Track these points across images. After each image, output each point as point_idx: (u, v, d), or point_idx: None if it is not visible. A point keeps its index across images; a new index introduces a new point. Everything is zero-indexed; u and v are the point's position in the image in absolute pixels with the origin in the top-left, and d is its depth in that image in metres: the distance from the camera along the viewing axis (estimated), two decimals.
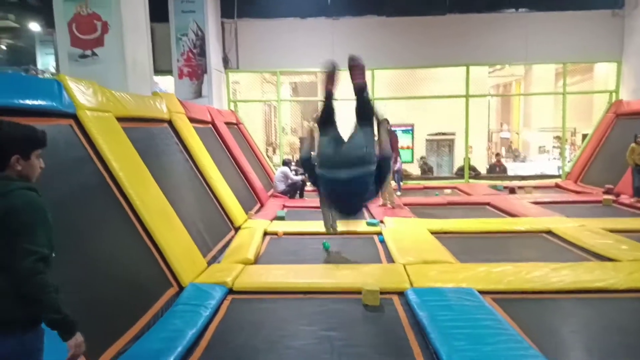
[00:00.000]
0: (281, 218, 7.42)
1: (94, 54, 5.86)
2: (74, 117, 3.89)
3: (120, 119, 4.53)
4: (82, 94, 4.05)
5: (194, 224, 5.09)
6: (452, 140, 13.58)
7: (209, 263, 4.82)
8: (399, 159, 10.18)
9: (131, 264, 3.65)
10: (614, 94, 11.08)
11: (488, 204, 8.47)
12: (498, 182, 10.64)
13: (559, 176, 11.40)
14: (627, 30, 10.86)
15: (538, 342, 3.10)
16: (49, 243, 1.74)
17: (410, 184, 11.08)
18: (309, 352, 3.12)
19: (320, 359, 3.03)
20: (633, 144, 7.90)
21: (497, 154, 13.23)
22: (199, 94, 10.16)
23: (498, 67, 15.50)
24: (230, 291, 4.13)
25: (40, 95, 3.49)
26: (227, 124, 9.32)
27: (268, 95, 16.71)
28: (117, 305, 3.17)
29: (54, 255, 1.78)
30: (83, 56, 5.89)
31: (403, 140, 10.91)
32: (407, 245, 5.36)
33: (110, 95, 4.56)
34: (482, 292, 3.90)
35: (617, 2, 10.91)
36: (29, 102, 3.33)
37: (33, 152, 1.87)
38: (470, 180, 11.12)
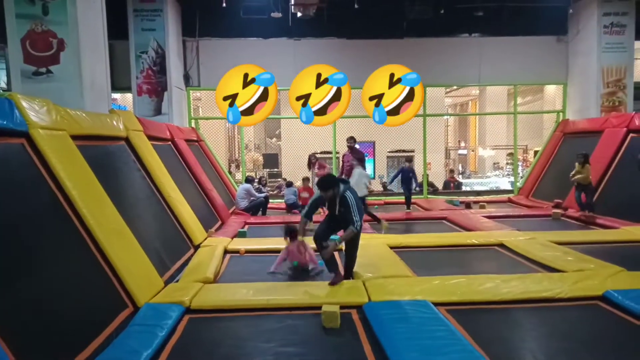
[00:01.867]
0: (243, 235, 7.40)
1: (48, 71, 5.73)
2: (26, 135, 3.81)
3: (75, 137, 4.45)
4: (35, 112, 3.97)
5: (152, 243, 5.02)
6: (412, 157, 13.97)
7: (167, 282, 4.75)
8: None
9: (85, 284, 3.57)
10: (561, 114, 11.74)
11: (445, 218, 8.73)
12: (455, 198, 10.99)
13: (511, 191, 11.90)
14: (571, 55, 11.61)
15: (488, 350, 3.24)
16: None
17: (371, 199, 11.27)
18: None
19: None
20: (577, 164, 8.17)
21: (451, 171, 13.70)
22: (158, 111, 10.06)
23: (454, 87, 16.14)
24: (188, 310, 4.08)
25: None
26: (188, 141, 9.25)
27: None
28: (70, 327, 3.10)
29: None
30: (37, 73, 5.75)
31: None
32: (366, 261, 5.46)
33: (64, 113, 4.48)
34: (436, 304, 4.02)
35: (561, 29, 11.65)
36: None
37: None
38: (429, 196, 11.44)
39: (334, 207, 4.67)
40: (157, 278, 4.54)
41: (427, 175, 11.87)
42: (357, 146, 9.52)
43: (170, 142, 8.17)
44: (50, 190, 3.77)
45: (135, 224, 4.74)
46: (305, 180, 9.88)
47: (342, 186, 4.60)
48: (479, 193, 12.08)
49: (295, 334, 3.65)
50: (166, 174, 6.60)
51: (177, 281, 4.90)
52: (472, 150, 18.00)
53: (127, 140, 6.00)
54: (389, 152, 14.26)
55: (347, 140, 8.93)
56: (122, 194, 5.04)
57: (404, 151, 13.69)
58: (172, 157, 7.82)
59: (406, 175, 9.35)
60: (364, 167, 8.33)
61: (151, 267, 4.54)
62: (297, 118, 10.12)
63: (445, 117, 15.50)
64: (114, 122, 5.65)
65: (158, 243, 5.20)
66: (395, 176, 9.72)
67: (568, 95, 11.72)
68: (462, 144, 19.46)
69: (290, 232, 5.45)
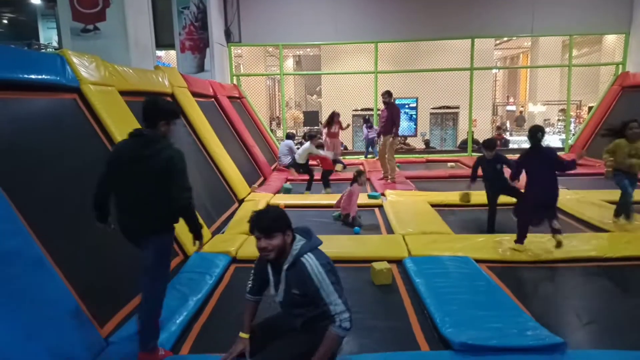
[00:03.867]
0: (288, 191, 7.51)
1: (96, 28, 5.87)
2: (78, 91, 3.96)
3: (123, 93, 4.59)
4: (85, 68, 4.10)
5: (198, 196, 5.20)
6: (456, 114, 13.54)
7: (213, 234, 4.95)
8: (373, 128, 10.34)
9: None
10: (620, 66, 10.93)
11: None
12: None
13: (562, 149, 11.38)
14: (637, 1, 10.63)
15: (530, 307, 3.23)
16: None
17: (413, 157, 11.13)
18: None
19: None
20: (619, 140, 5.23)
21: (498, 127, 13.18)
22: (201, 68, 10.13)
23: (505, 39, 15.26)
24: (234, 260, 4.27)
25: (43, 69, 3.55)
26: (230, 98, 9.34)
27: (271, 68, 16.63)
28: (125, 273, 3.31)
29: None
30: (85, 30, 5.91)
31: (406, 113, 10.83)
32: (406, 217, 5.46)
33: (112, 69, 4.61)
34: (478, 261, 4.01)
35: None
36: (33, 76, 3.40)
37: (172, 121, 2.68)
38: (474, 154, 11.13)
39: (279, 284, 2.32)
40: (204, 229, 4.73)
41: (472, 132, 11.51)
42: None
43: (213, 99, 8.28)
44: (103, 144, 3.94)
45: None
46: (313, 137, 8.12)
47: (297, 239, 2.29)
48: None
49: None
50: (210, 130, 6.74)
51: (223, 233, 5.10)
52: (522, 107, 17.19)
53: (172, 96, 6.12)
54: (432, 108, 13.85)
55: (382, 95, 8.61)
56: None
57: (448, 107, 13.29)
58: (216, 114, 7.95)
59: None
60: (397, 126, 8.00)
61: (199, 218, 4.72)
62: (337, 73, 9.93)
63: (494, 70, 14.75)
64: (159, 79, 5.77)
65: (204, 196, 5.38)
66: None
67: (630, 46, 10.84)
68: (511, 100, 18.60)
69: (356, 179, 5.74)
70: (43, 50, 12.13)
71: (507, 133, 15.11)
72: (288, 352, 2.24)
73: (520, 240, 4.33)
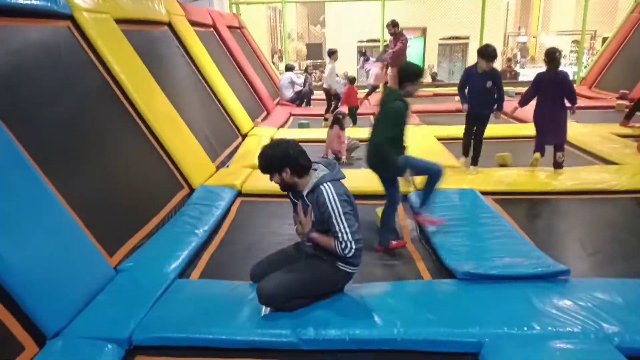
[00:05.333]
0: (306, 125, 7.38)
1: None
2: (71, 18, 3.76)
3: (118, 21, 4.37)
4: None
5: (201, 130, 5.12)
6: (466, 45, 13.03)
7: (218, 168, 4.93)
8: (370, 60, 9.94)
9: (142, 166, 3.75)
10: None
11: None
12: (511, 88, 10.36)
13: (574, 82, 11.05)
14: None
15: (534, 238, 3.24)
16: None
17: (420, 91, 10.84)
18: None
19: None
20: None
21: (509, 59, 12.73)
22: None
23: None
24: (240, 194, 4.27)
25: None
26: (230, 27, 8.96)
27: None
28: (133, 205, 3.32)
29: None
30: None
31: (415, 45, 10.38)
32: (412, 151, 5.37)
33: None
34: (484, 194, 3.99)
35: None
36: (23, 1, 3.20)
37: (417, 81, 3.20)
38: None
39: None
40: (209, 162, 4.71)
41: None
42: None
43: (212, 29, 7.94)
44: (100, 75, 3.80)
45: (184, 111, 4.81)
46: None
47: (320, 169, 2.38)
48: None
49: None
50: (210, 61, 6.52)
51: (227, 167, 5.08)
52: (534, 37, 16.51)
53: (169, 25, 5.86)
54: (441, 39, 13.31)
55: (387, 26, 8.09)
56: (169, 81, 5.05)
57: (457, 38, 12.77)
58: (215, 45, 7.66)
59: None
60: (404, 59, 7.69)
61: (203, 152, 4.69)
62: (342, 0, 9.45)
63: None
64: (156, 6, 5.48)
65: (207, 130, 5.30)
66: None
67: None
68: (522, 30, 17.84)
69: (337, 120, 5.45)
70: None
71: (517, 65, 14.64)
72: (289, 276, 2.32)
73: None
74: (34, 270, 2.16)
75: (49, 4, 3.49)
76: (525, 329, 2.15)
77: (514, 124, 7.28)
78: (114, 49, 4.01)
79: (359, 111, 7.54)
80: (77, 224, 2.58)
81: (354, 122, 7.32)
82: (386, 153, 3.09)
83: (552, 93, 4.25)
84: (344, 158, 5.47)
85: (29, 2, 3.26)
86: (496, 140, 6.02)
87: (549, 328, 2.15)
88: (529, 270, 2.59)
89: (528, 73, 13.05)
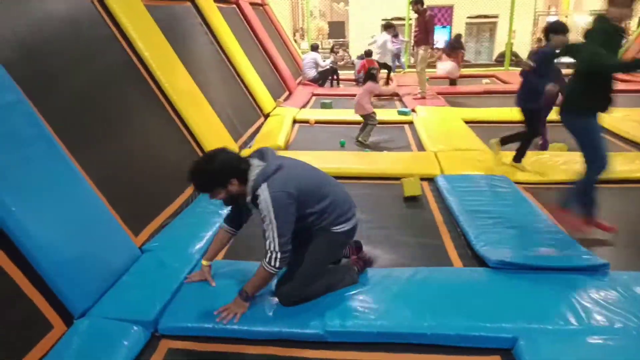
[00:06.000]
0: (328, 106, 7.26)
1: None
2: None
3: None
4: None
5: (223, 109, 5.05)
6: (495, 24, 12.59)
7: (240, 148, 4.88)
8: (400, 37, 9.64)
9: (165, 144, 3.70)
10: None
11: None
12: None
13: None
14: None
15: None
16: None
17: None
18: None
19: None
20: None
21: (539, 39, 12.25)
22: None
23: None
24: None
25: None
26: (252, 4, 8.79)
27: None
28: (157, 184, 3.28)
29: None
30: None
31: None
32: (438, 134, 5.25)
33: None
34: (516, 182, 3.84)
35: None
36: None
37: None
38: (511, 68, 10.49)
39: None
40: (231, 142, 4.65)
41: (512, 44, 10.74)
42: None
43: (234, 5, 7.80)
44: (124, 50, 3.74)
45: (206, 89, 4.74)
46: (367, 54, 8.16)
47: (254, 165, 2.12)
48: (568, 66, 10.87)
49: (365, 202, 3.68)
50: (233, 39, 6.41)
51: (249, 147, 5.02)
52: (566, 16, 15.86)
53: (192, 1, 5.75)
54: (469, 17, 12.88)
55: (411, 3, 7.76)
56: (192, 58, 4.97)
57: (485, 17, 12.33)
58: (237, 21, 7.53)
59: None
60: (431, 38, 7.44)
61: (225, 131, 4.63)
62: None
63: None
64: None
65: (229, 109, 5.23)
66: None
67: None
68: (553, 10, 17.16)
69: (371, 76, 5.39)
70: None
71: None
72: (298, 270, 2.22)
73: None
74: (61, 249, 2.15)
75: None
76: (562, 323, 2.05)
77: None
78: (137, 24, 3.93)
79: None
80: (102, 202, 2.56)
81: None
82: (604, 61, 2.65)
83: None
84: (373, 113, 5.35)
85: None
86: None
87: (588, 323, 2.05)
88: (566, 262, 2.48)
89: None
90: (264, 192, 2.02)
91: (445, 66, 8.81)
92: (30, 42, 2.82)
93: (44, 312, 2.08)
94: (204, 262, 2.40)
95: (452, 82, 8.91)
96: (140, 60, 3.84)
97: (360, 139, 5.31)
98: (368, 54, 7.49)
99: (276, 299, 2.24)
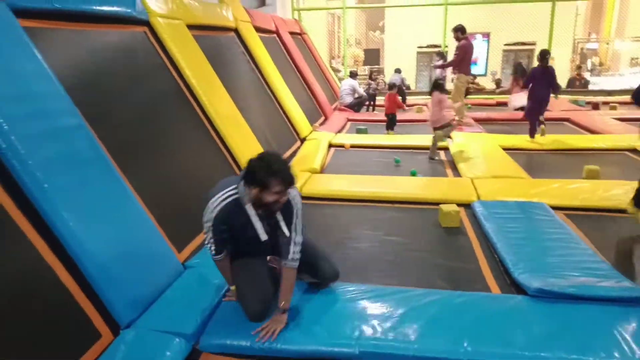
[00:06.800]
0: (364, 131, 7.39)
1: None
2: (147, 24, 3.96)
3: (190, 27, 4.56)
4: (154, 0, 4.08)
5: (262, 132, 5.23)
6: (532, 51, 12.47)
7: None
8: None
9: (208, 166, 3.87)
10: None
11: (567, 119, 7.92)
12: (580, 97, 9.82)
13: None
14: None
15: (611, 261, 3.01)
16: None
17: (482, 98, 10.50)
18: (372, 253, 3.27)
19: (382, 259, 3.17)
20: None
21: (579, 67, 12.07)
22: (262, 2, 9.91)
23: None
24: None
25: (115, 2, 3.55)
26: (292, 33, 9.11)
27: (331, 3, 15.99)
28: (199, 203, 3.41)
29: None
30: None
31: (478, 50, 10.00)
32: (475, 160, 5.23)
33: (179, 2, 4.56)
34: (554, 208, 3.78)
35: None
36: (105, 8, 3.41)
37: None
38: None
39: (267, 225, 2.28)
40: None
41: None
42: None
43: (275, 34, 8.11)
44: (173, 78, 3.98)
45: (246, 113, 4.93)
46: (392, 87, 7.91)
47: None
48: (609, 93, 10.64)
49: (400, 226, 3.71)
50: (273, 66, 6.65)
51: None
52: (607, 43, 15.57)
53: (236, 31, 6.04)
54: (506, 45, 12.83)
55: (453, 30, 7.85)
56: (234, 84, 5.20)
57: (523, 44, 12.26)
58: (277, 50, 7.81)
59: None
60: (467, 67, 7.49)
61: None
62: (404, 6, 9.37)
63: (578, 2, 13.30)
64: (224, 12, 5.67)
65: (268, 133, 5.41)
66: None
67: None
68: (593, 37, 16.87)
69: (437, 86, 5.87)
70: None
71: (588, 73, 13.85)
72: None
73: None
74: (112, 262, 2.28)
75: (129, 11, 3.70)
76: (603, 355, 2.00)
77: (585, 134, 6.88)
78: (185, 53, 4.18)
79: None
80: (150, 220, 2.70)
81: (391, 128, 7.41)
82: None
83: (543, 82, 6.00)
84: (454, 121, 5.82)
85: (110, 8, 3.47)
86: (577, 153, 5.78)
87: (631, 356, 1.99)
88: (608, 293, 2.41)
89: (602, 82, 12.32)
90: (294, 191, 2.20)
91: (520, 99, 7.79)
92: (90, 70, 3.06)
93: (94, 322, 2.20)
94: (232, 288, 2.45)
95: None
96: (187, 87, 4.06)
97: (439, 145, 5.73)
98: (391, 86, 7.71)
99: (310, 309, 2.33)
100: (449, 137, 5.91)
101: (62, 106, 2.49)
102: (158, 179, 3.14)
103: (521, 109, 7.48)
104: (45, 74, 2.49)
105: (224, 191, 2.14)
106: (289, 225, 2.23)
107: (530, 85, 6.17)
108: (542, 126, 6.19)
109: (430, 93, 5.92)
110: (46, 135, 2.30)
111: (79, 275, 2.21)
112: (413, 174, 5.01)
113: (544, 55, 6.09)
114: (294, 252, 2.23)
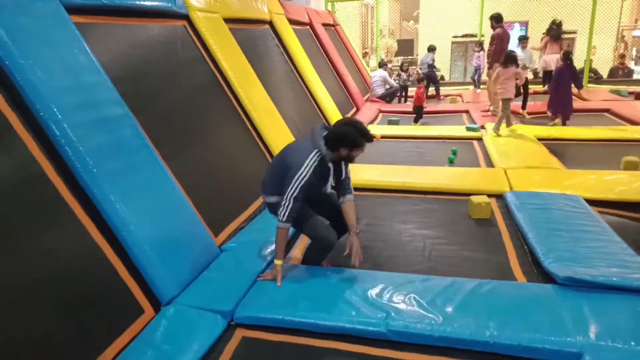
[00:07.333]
0: (395, 123, 7.42)
1: None
2: (187, 18, 4.12)
3: (226, 20, 4.70)
4: None
5: (295, 123, 5.33)
6: (573, 40, 12.05)
7: None
8: (481, 54, 9.44)
9: (243, 155, 4.02)
10: None
11: (608, 110, 7.66)
12: (622, 87, 9.45)
13: None
14: None
15: None
16: None
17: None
18: (403, 246, 3.29)
19: (411, 251, 3.20)
20: None
21: (622, 55, 11.57)
22: None
23: None
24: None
25: None
26: (325, 25, 9.16)
27: None
28: (234, 190, 3.58)
29: None
30: None
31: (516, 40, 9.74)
32: (509, 150, 5.18)
33: None
34: (589, 201, 3.71)
35: None
36: (148, 3, 3.58)
37: None
38: (589, 85, 10.00)
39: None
40: None
41: (591, 60, 10.25)
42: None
43: (308, 27, 8.19)
44: (210, 70, 4.13)
45: (280, 105, 5.05)
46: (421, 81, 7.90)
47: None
48: None
49: (431, 217, 3.74)
50: (306, 58, 6.74)
51: None
52: None
53: (270, 24, 6.16)
54: (543, 34, 12.42)
55: (490, 19, 7.73)
56: (268, 76, 5.32)
57: (563, 32, 11.83)
58: (311, 42, 7.89)
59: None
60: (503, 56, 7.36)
61: None
62: None
63: None
64: (259, 5, 5.79)
65: (300, 123, 5.51)
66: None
67: None
68: None
69: (512, 59, 6.27)
70: None
71: (632, 62, 13.26)
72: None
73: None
74: (155, 243, 2.44)
75: (169, 5, 3.86)
76: (633, 344, 2.00)
77: (626, 125, 6.65)
78: (222, 45, 4.32)
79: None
80: (190, 205, 2.86)
81: (416, 121, 7.46)
82: None
83: (566, 79, 6.43)
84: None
85: (152, 3, 3.63)
86: (616, 144, 5.62)
87: None
88: (638, 283, 2.40)
89: None
90: None
91: (552, 58, 8.32)
92: (134, 62, 3.23)
93: (137, 298, 2.37)
94: (277, 262, 2.60)
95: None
96: (223, 78, 4.21)
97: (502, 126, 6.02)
98: (420, 80, 7.76)
99: (336, 293, 2.47)
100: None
101: (109, 97, 2.66)
102: (196, 166, 3.30)
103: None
104: (94, 66, 2.66)
105: (313, 153, 2.52)
106: (346, 167, 2.72)
107: (555, 84, 6.58)
108: (557, 119, 6.61)
109: (505, 65, 6.22)
110: (95, 124, 2.47)
111: (124, 255, 2.38)
112: (454, 152, 5.28)
113: (567, 55, 6.52)
114: (350, 184, 2.74)
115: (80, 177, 2.33)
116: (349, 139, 2.50)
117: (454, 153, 5.26)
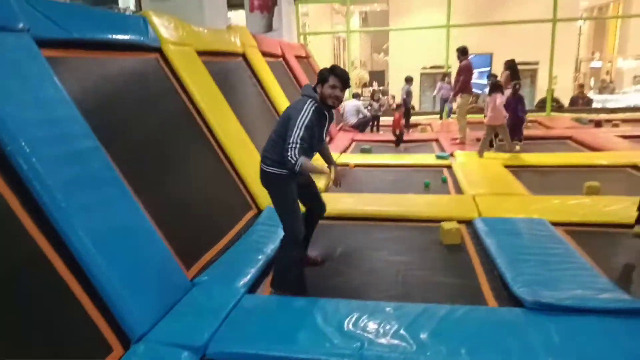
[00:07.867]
0: (368, 151, 7.54)
1: None
2: (159, 50, 4.16)
3: (199, 53, 4.76)
4: (165, 28, 4.28)
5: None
6: (535, 70, 12.65)
7: None
8: (444, 84, 9.85)
9: (216, 186, 4.01)
10: None
11: (570, 137, 8.00)
12: (583, 115, 9.92)
13: None
14: None
15: (611, 274, 3.06)
16: None
17: (484, 118, 10.60)
18: (374, 272, 3.33)
19: (384, 278, 3.23)
20: None
21: (581, 85, 12.20)
22: (269, 27, 10.17)
23: None
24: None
25: (128, 30, 3.75)
26: (297, 57, 9.35)
27: (337, 27, 16.35)
28: (207, 223, 3.55)
29: None
30: None
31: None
32: (477, 178, 5.33)
33: (189, 29, 4.77)
34: (555, 224, 3.84)
35: None
36: (119, 37, 3.61)
37: None
38: (552, 113, 10.45)
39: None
40: None
41: (553, 90, 10.74)
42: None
43: (281, 59, 8.34)
44: (183, 101, 4.15)
45: (253, 135, 5.08)
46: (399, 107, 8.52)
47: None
48: (612, 111, 10.73)
49: (402, 244, 3.78)
50: (279, 90, 6.84)
51: None
52: (609, 62, 15.71)
53: (243, 56, 6.25)
54: (504, 68, 13.00)
55: (457, 50, 8.08)
56: (242, 107, 5.37)
57: (526, 63, 12.41)
58: (283, 73, 8.02)
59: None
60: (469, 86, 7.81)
61: None
62: (407, 29, 9.60)
63: (579, 22, 13.49)
64: (232, 38, 5.90)
65: None
66: None
67: None
68: (597, 55, 17.04)
69: (498, 87, 6.69)
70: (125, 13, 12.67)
71: (591, 91, 13.96)
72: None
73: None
74: (124, 278, 2.39)
75: (142, 38, 3.90)
76: None
77: (586, 152, 6.95)
78: (195, 78, 4.36)
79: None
80: (160, 238, 2.82)
81: (398, 144, 7.97)
82: None
83: (513, 106, 6.96)
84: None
85: (124, 37, 3.66)
86: (579, 170, 5.83)
87: None
88: (605, 305, 2.48)
89: (607, 100, 12.39)
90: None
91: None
92: (105, 95, 3.23)
93: (106, 336, 2.30)
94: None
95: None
96: (196, 110, 4.23)
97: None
98: (398, 106, 8.27)
99: (310, 325, 2.48)
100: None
101: (79, 130, 2.64)
102: (168, 199, 3.27)
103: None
104: (64, 99, 2.65)
105: (308, 101, 2.75)
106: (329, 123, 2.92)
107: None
108: (517, 147, 6.89)
109: (489, 94, 6.63)
110: (64, 158, 2.45)
111: (92, 291, 2.32)
112: (426, 184, 5.36)
113: (514, 85, 7.18)
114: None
115: (49, 211, 2.28)
116: (322, 76, 2.78)
117: (427, 186, 5.35)
